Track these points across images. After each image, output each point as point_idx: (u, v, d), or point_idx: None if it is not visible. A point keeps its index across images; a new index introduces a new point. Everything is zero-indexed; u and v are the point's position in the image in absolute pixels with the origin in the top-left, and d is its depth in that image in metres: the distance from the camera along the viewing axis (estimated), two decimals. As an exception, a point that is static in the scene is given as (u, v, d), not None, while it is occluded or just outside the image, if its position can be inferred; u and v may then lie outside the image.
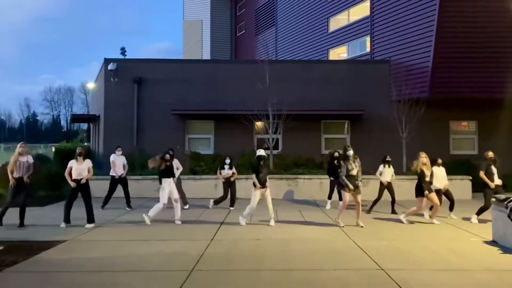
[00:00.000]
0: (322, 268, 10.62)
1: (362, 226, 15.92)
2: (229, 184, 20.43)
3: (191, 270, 10.36)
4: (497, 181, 17.00)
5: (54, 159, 31.49)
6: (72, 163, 15.96)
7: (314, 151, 27.96)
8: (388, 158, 19.75)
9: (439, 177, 17.95)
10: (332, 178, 20.71)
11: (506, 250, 12.50)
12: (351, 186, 15.99)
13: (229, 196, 20.39)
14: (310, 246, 12.86)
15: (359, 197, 16.35)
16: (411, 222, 16.71)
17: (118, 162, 20.46)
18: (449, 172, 18.07)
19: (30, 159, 16.09)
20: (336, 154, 21.02)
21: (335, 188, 20.24)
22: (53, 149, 46.15)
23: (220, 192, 21.95)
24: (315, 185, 23.41)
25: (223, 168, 20.35)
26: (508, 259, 11.61)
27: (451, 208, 18.15)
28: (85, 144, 47.83)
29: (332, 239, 14.07)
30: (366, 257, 11.67)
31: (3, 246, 12.55)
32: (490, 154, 17.49)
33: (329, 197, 20.86)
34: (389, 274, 10.08)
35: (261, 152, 16.78)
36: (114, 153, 20.74)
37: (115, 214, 18.28)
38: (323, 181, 23.04)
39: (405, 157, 24.92)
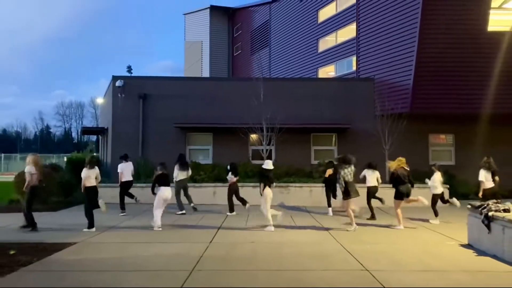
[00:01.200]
0: (312, 269, 10.66)
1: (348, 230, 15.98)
2: (235, 191, 20.52)
3: (191, 270, 10.37)
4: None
5: (66, 168, 31.44)
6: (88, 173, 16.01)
7: (305, 161, 27.95)
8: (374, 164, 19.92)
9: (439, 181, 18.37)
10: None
11: (480, 252, 12.56)
12: (353, 195, 16.16)
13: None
14: (300, 249, 12.90)
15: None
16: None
17: (126, 172, 20.52)
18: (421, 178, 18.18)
19: (26, 168, 15.92)
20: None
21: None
22: (65, 159, 46.11)
23: (218, 199, 22.12)
24: (305, 193, 23.44)
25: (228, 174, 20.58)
26: (482, 261, 11.66)
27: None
28: (94, 154, 47.80)
29: (320, 242, 14.10)
30: (352, 259, 11.70)
31: (18, 247, 12.53)
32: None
33: (329, 205, 20.81)
34: (373, 274, 10.11)
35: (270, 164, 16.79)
36: (121, 162, 20.72)
37: (120, 220, 18.28)
38: (313, 189, 23.12)
39: (388, 168, 24.97)
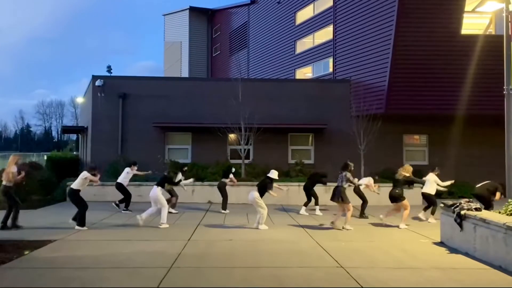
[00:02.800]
0: (288, 266, 10.72)
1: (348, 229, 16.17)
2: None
3: (170, 267, 10.39)
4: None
5: (46, 166, 31.28)
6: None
7: (282, 161, 27.98)
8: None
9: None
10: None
11: (452, 250, 12.70)
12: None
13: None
14: (277, 246, 12.95)
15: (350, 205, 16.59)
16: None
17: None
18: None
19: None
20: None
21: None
22: (45, 158, 45.80)
23: (197, 198, 22.23)
24: (283, 192, 23.52)
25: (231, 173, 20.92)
26: (454, 258, 11.79)
27: (432, 211, 18.48)
28: (74, 153, 47.58)
29: (297, 240, 14.17)
30: (327, 256, 11.78)
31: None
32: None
33: (306, 204, 20.86)
34: (348, 271, 10.18)
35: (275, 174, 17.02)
36: (129, 167, 20.76)
37: (99, 217, 18.11)
38: (290, 188, 23.14)
39: (363, 167, 25.09)
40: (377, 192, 20.05)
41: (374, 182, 20.07)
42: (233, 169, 21.08)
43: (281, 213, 20.64)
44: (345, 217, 16.45)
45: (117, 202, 20.36)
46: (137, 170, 20.89)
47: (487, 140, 28.24)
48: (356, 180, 17.30)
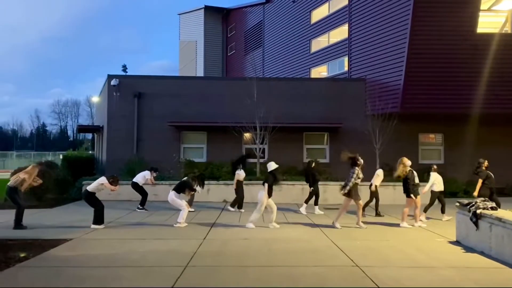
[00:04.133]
0: (303, 265, 10.69)
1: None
2: (242, 187, 20.85)
3: (185, 266, 10.40)
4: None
5: (62, 165, 31.46)
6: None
7: (297, 160, 27.98)
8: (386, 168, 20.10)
9: (440, 181, 18.44)
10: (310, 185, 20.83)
11: (468, 249, 12.63)
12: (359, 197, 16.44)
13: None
14: (292, 245, 12.94)
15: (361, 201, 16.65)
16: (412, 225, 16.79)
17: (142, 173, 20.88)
18: (420, 179, 18.14)
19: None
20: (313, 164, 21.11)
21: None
22: (61, 157, 46.09)
23: (212, 197, 22.26)
24: (297, 191, 23.45)
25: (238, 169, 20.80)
26: (470, 258, 11.73)
27: (442, 210, 18.33)
28: (90, 152, 47.77)
29: (312, 239, 14.15)
30: (342, 255, 11.75)
31: (14, 244, 12.56)
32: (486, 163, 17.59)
33: (316, 203, 20.76)
34: (363, 270, 10.15)
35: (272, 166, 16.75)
36: (150, 171, 21.00)
37: (115, 216, 18.25)
38: (305, 187, 23.07)
39: (379, 166, 25.04)
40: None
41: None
42: (240, 165, 21.03)
43: (295, 211, 20.60)
44: (356, 215, 16.51)
45: (140, 206, 20.49)
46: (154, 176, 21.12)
47: (503, 139, 28.21)
48: (360, 175, 16.95)
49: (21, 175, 15.72)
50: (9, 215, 15.52)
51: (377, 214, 19.38)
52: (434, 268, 10.55)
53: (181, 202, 16.55)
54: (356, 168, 16.44)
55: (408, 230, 15.92)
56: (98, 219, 15.69)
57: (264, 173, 24.05)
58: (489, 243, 11.97)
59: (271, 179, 16.33)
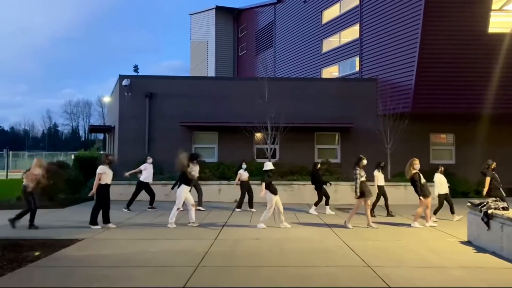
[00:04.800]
0: (314, 265, 10.69)
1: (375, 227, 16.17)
2: (246, 187, 20.76)
3: (196, 266, 10.43)
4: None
5: (73, 165, 31.56)
6: (104, 169, 15.91)
7: (308, 160, 27.88)
8: (382, 164, 19.96)
9: (443, 183, 18.30)
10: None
11: (479, 249, 12.60)
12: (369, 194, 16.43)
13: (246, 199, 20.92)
14: (303, 245, 12.95)
15: (370, 201, 16.65)
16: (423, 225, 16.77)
17: (150, 170, 20.72)
18: (429, 180, 18.08)
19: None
20: (319, 165, 21.10)
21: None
22: (72, 157, 46.20)
23: (223, 197, 22.27)
24: (309, 191, 23.41)
25: (241, 169, 20.77)
26: (481, 258, 11.69)
27: (452, 211, 18.24)
28: (101, 152, 47.89)
29: (323, 239, 14.15)
30: (354, 255, 11.75)
31: (26, 243, 12.62)
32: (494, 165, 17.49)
33: (327, 203, 20.70)
34: (374, 270, 10.15)
35: (270, 165, 16.74)
36: (145, 162, 20.98)
37: (126, 216, 18.43)
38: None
39: (390, 166, 25.07)
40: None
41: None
42: (244, 165, 20.97)
43: (307, 211, 20.59)
44: (365, 215, 16.53)
45: (150, 206, 20.54)
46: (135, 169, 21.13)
47: (516, 139, 28.14)
48: (362, 173, 16.91)
49: (35, 172, 15.77)
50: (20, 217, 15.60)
51: (389, 213, 19.36)
52: (445, 268, 10.52)
53: (179, 199, 16.44)
54: (357, 168, 16.48)
55: (419, 230, 15.90)
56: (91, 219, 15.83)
57: (277, 173, 24.13)
58: (500, 243, 11.95)
59: (267, 178, 16.36)
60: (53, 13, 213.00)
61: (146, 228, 15.86)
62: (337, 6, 36.13)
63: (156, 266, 10.48)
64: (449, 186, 18.90)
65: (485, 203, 13.08)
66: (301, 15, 41.54)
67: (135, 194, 20.67)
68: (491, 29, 25.71)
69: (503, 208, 12.63)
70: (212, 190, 24.05)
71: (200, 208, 20.07)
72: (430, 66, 25.97)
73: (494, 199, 13.62)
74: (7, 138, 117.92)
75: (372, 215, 18.42)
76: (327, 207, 20.50)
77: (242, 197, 20.85)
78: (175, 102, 29.05)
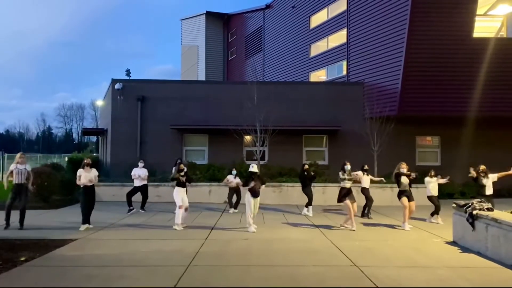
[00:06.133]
0: (303, 265, 10.72)
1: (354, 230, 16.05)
2: (233, 189, 20.80)
3: (188, 265, 10.45)
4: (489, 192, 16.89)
5: (67, 167, 31.49)
6: (80, 172, 15.80)
7: (296, 162, 27.86)
8: (366, 167, 19.93)
9: (435, 186, 18.35)
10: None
11: (464, 249, 12.69)
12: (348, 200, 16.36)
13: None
14: (292, 245, 12.98)
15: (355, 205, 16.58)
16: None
17: (139, 174, 20.39)
18: (414, 182, 18.11)
19: (28, 167, 16.10)
20: (306, 166, 21.05)
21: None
22: (66, 159, 46.09)
23: (213, 198, 22.35)
24: (297, 192, 23.38)
25: (230, 174, 20.86)
26: (466, 257, 11.78)
27: (437, 212, 18.21)
28: (94, 154, 47.81)
29: (311, 239, 14.19)
30: (341, 255, 11.79)
31: (21, 244, 12.60)
32: (483, 167, 17.44)
33: (310, 204, 20.71)
34: (361, 270, 10.19)
35: (254, 168, 16.52)
36: (137, 166, 20.68)
37: (118, 217, 18.34)
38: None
39: (376, 168, 25.10)
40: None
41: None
42: (234, 171, 21.03)
43: (296, 212, 20.58)
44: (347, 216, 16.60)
45: (142, 208, 20.46)
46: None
47: (499, 141, 28.29)
48: (344, 176, 16.92)
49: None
50: (14, 217, 15.50)
51: (365, 215, 19.28)
52: (431, 267, 10.58)
53: (176, 199, 16.40)
54: (340, 172, 16.58)
55: (406, 231, 15.95)
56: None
57: (266, 175, 24.13)
58: (485, 243, 12.02)
59: (244, 180, 16.50)
60: (48, 18, 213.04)
61: (139, 229, 15.80)
62: (324, 11, 36.15)
63: (149, 265, 10.48)
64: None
65: (470, 204, 13.15)
66: (290, 20, 41.56)
67: (144, 196, 20.59)
68: (476, 34, 25.80)
69: (488, 209, 12.69)
70: (203, 191, 24.02)
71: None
72: (415, 70, 26.03)
73: (478, 200, 13.66)
74: (3, 141, 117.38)
75: (369, 218, 18.85)
76: (305, 208, 20.41)
77: (238, 197, 20.89)
78: (166, 105, 28.99)
